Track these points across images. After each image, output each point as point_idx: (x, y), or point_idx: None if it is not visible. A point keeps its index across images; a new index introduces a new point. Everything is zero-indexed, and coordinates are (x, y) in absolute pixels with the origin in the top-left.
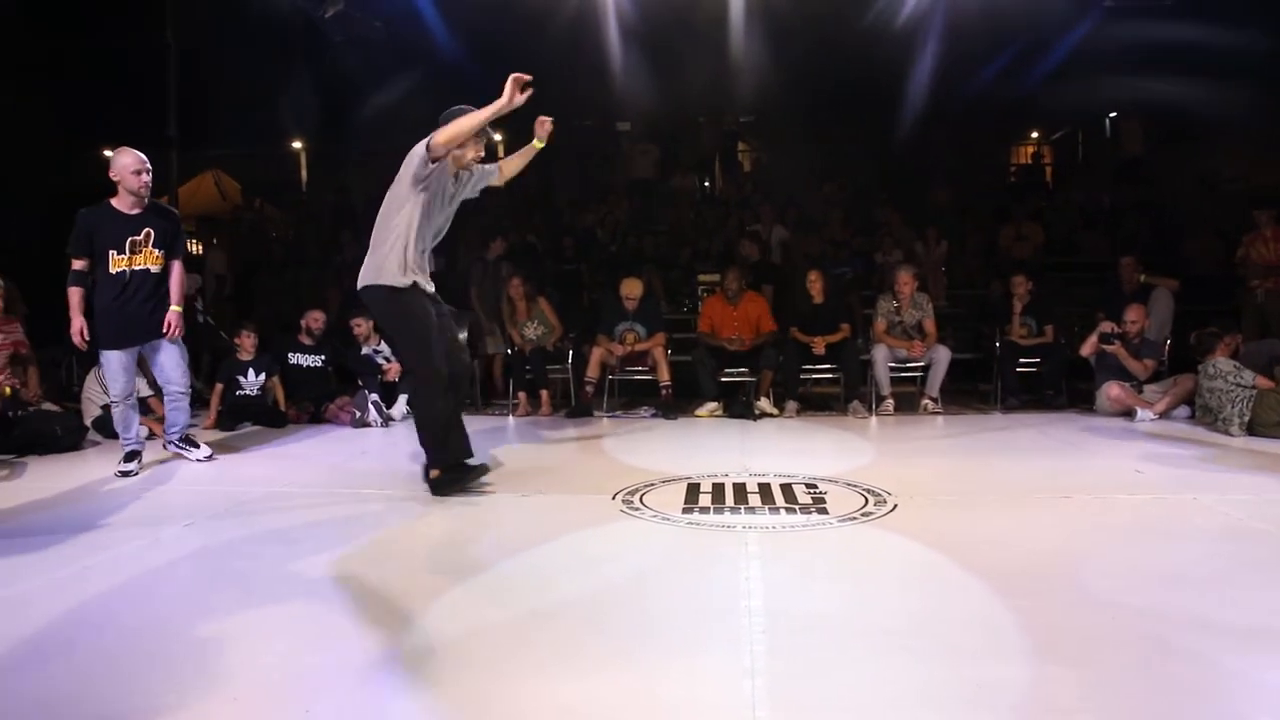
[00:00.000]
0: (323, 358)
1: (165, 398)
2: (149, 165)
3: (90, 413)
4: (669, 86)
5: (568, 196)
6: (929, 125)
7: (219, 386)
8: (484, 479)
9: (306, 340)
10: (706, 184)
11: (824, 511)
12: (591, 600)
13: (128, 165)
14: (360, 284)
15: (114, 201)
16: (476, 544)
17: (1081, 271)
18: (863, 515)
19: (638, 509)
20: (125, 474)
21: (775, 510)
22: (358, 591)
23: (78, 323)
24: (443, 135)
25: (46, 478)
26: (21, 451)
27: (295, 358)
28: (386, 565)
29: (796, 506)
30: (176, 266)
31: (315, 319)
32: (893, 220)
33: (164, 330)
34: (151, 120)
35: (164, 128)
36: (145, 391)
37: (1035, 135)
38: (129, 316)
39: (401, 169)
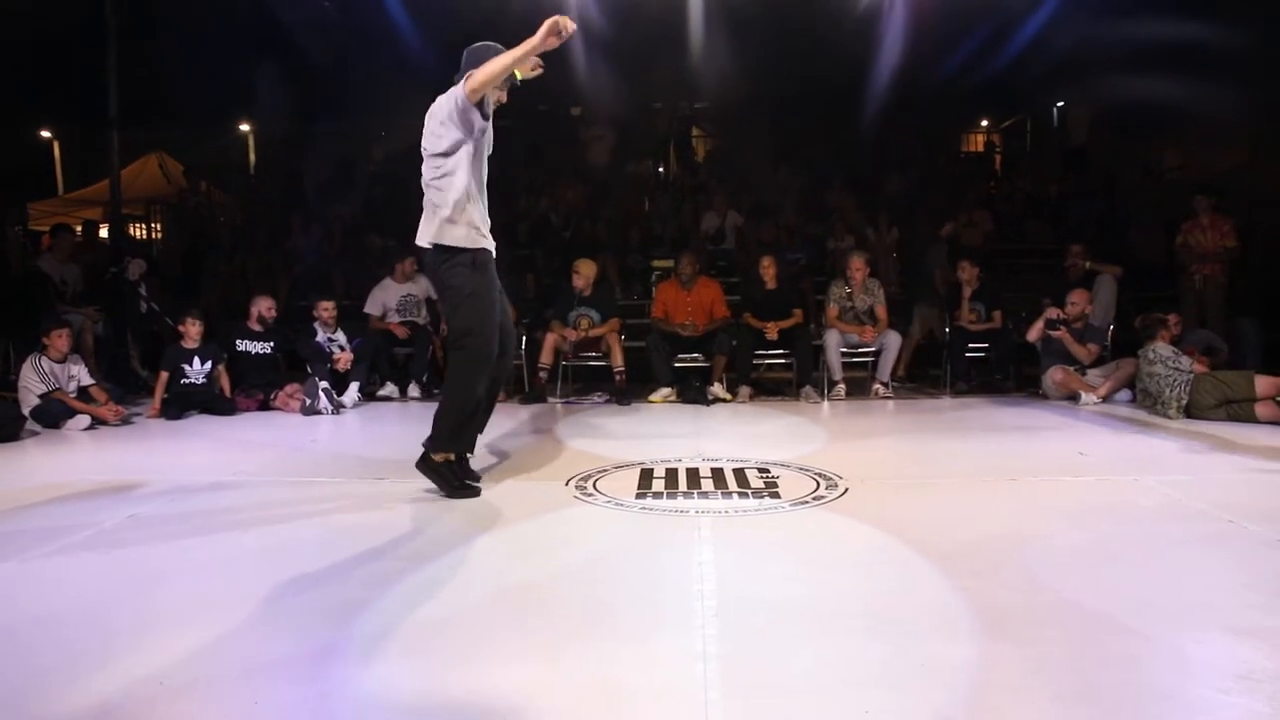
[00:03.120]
0: (272, 344)
1: None
2: None
3: (28, 402)
4: (625, 71)
5: (521, 181)
6: (887, 112)
7: (163, 375)
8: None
9: (256, 327)
10: (661, 170)
11: (776, 496)
12: (545, 586)
13: None
14: (431, 242)
15: None
16: (429, 530)
17: (1029, 258)
18: (814, 499)
19: (591, 495)
20: None
21: (728, 495)
22: (305, 579)
23: None
24: (474, 81)
25: None
26: None
27: (244, 345)
28: (337, 552)
29: (749, 491)
30: None
31: (268, 306)
32: (846, 206)
33: None
34: (92, 100)
35: (104, 108)
36: (86, 380)
37: (985, 123)
38: None
39: (432, 124)
